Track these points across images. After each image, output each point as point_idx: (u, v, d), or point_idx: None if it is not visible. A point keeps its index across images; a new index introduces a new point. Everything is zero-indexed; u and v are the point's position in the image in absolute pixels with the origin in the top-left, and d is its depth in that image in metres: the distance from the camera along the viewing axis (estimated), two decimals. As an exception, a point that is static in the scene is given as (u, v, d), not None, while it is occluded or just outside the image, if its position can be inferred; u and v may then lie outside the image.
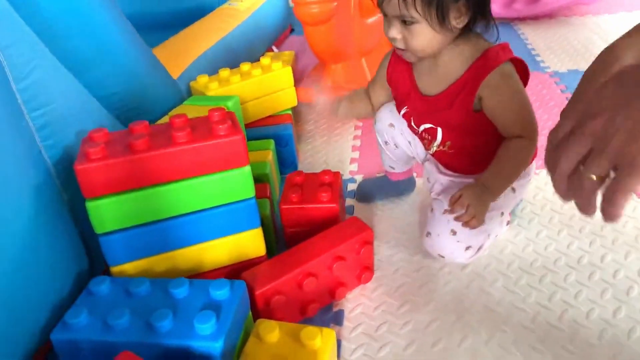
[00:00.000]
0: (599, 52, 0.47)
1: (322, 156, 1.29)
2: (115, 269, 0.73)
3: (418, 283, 0.85)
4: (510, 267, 0.87)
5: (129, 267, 0.73)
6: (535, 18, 2.01)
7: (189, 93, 1.24)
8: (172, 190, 0.71)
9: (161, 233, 0.73)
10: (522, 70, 0.77)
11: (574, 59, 1.67)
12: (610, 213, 0.37)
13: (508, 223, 0.93)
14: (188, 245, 0.75)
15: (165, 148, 0.69)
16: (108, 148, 0.69)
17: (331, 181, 0.93)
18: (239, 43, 1.52)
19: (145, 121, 0.75)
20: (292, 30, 2.12)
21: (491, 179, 0.75)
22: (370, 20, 1.44)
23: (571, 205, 0.49)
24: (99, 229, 0.70)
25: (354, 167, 1.22)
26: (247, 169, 0.74)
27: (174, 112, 1.04)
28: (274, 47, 1.88)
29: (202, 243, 0.76)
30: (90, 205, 0.68)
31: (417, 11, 0.68)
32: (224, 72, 1.22)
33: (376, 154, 1.06)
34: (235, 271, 0.78)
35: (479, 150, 0.81)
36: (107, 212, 0.69)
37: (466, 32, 0.74)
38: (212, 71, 1.28)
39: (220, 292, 0.65)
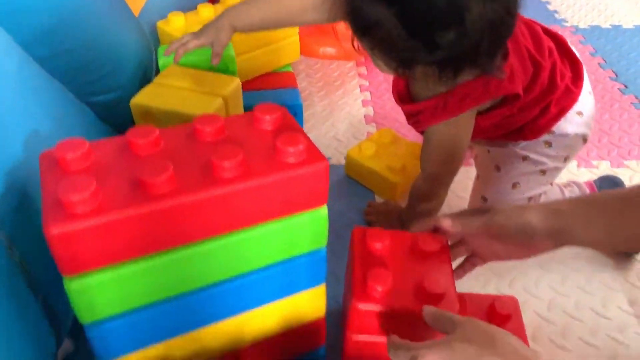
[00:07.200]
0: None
1: (329, 126, 1.02)
2: (111, 365, 0.45)
3: None
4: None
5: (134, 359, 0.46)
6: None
7: (155, 37, 0.89)
8: (213, 251, 0.43)
9: (190, 308, 0.46)
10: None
11: (591, 14, 1.48)
12: None
13: None
14: (227, 317, 0.49)
15: (208, 188, 0.40)
16: (104, 187, 0.39)
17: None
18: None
19: (152, 126, 0.44)
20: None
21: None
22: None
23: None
24: (85, 318, 0.41)
25: (371, 128, 1.03)
26: (325, 210, 0.47)
27: (161, 78, 0.71)
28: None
29: (245, 312, 0.50)
30: (73, 286, 0.39)
31: None
32: (205, 10, 0.89)
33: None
34: (284, 338, 0.54)
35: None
36: (102, 294, 0.40)
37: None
38: (180, 5, 0.93)
39: None
